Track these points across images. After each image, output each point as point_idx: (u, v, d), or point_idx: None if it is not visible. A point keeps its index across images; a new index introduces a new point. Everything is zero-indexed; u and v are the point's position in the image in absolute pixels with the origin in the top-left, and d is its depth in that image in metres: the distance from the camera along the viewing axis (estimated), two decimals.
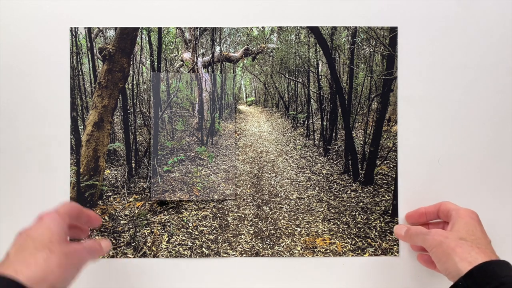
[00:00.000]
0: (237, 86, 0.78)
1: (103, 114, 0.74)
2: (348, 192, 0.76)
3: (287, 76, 0.79)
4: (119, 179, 0.75)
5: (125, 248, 0.73)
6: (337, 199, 0.76)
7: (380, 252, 0.73)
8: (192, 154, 0.77)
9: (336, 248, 0.73)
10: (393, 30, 0.73)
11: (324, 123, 0.78)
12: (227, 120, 0.78)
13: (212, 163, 0.77)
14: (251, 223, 0.75)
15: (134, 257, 0.73)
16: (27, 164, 0.73)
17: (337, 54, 0.76)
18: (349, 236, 0.74)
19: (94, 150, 0.74)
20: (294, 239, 0.74)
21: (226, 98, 0.78)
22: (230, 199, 0.76)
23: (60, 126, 0.73)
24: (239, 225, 0.74)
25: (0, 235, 0.75)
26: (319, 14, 0.74)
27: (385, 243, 0.73)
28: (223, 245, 0.74)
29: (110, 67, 0.74)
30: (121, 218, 0.74)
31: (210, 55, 0.76)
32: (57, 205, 0.57)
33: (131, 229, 0.73)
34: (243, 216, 0.75)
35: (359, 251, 0.73)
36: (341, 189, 0.76)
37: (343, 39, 0.75)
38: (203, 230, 0.74)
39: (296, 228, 0.74)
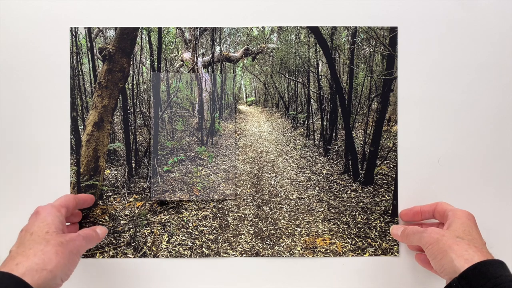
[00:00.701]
0: (237, 86, 0.78)
1: (103, 114, 0.74)
2: (348, 192, 0.76)
3: (287, 76, 0.79)
4: (119, 179, 0.75)
5: (125, 248, 0.73)
6: (337, 199, 0.76)
7: (380, 252, 0.73)
8: (192, 154, 0.77)
9: (336, 248, 0.73)
10: (393, 30, 0.73)
11: (324, 123, 0.78)
12: (227, 120, 0.78)
13: (212, 163, 0.77)
14: (251, 223, 0.75)
15: (134, 257, 0.73)
16: (27, 164, 0.73)
17: (337, 54, 0.75)
18: (349, 236, 0.74)
19: (94, 150, 0.74)
20: (294, 239, 0.74)
21: (226, 98, 0.78)
22: (230, 199, 0.76)
23: (60, 126, 0.73)
24: (239, 225, 0.74)
25: (0, 235, 0.75)
26: (319, 14, 0.74)
27: (385, 243, 0.73)
28: (223, 245, 0.74)
29: (110, 67, 0.74)
30: (121, 218, 0.74)
31: (210, 55, 0.76)
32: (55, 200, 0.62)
33: (131, 229, 0.73)
34: (243, 216, 0.75)
35: (359, 251, 0.73)
36: (341, 189, 0.76)
37: (343, 39, 0.75)
38: (203, 230, 0.74)
39: (296, 228, 0.74)
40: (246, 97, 0.82)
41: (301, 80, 0.79)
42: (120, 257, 0.73)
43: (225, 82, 0.77)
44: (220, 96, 0.77)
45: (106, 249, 0.72)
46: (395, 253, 0.73)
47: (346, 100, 0.76)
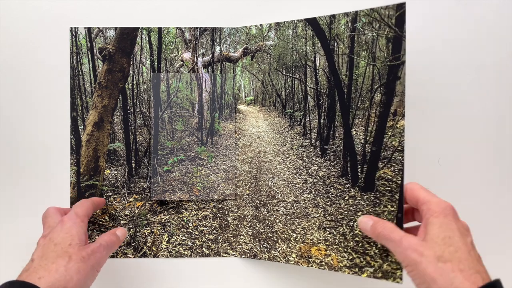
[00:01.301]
0: (237, 85, 0.78)
1: (103, 114, 0.74)
2: (346, 198, 0.67)
3: (284, 73, 0.76)
4: (119, 179, 0.75)
5: (125, 248, 0.73)
6: (334, 205, 0.68)
7: (380, 274, 0.61)
8: (192, 154, 0.77)
9: (331, 261, 0.65)
10: (400, 7, 0.59)
11: (322, 121, 0.71)
12: (227, 120, 0.78)
13: (212, 163, 0.77)
14: (249, 224, 0.74)
15: (134, 257, 0.73)
16: (28, 164, 0.73)
17: (335, 44, 0.67)
18: (345, 250, 0.65)
19: (94, 150, 0.74)
20: (290, 245, 0.70)
21: (226, 98, 0.78)
22: (230, 199, 0.75)
23: (60, 126, 0.73)
24: (239, 226, 0.74)
25: (0, 235, 0.75)
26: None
27: (387, 264, 0.61)
28: (223, 245, 0.74)
29: (110, 67, 0.74)
30: (121, 218, 0.74)
31: (210, 55, 0.76)
32: (75, 205, 0.62)
33: (131, 229, 0.73)
34: (242, 216, 0.75)
35: (357, 269, 0.63)
36: (338, 194, 0.68)
37: (342, 26, 0.66)
38: (203, 230, 0.74)
39: (292, 234, 0.70)
40: (245, 97, 0.82)
41: (298, 76, 0.75)
42: (120, 257, 0.73)
43: (225, 82, 0.77)
44: (220, 96, 0.77)
45: None
46: (398, 279, 0.60)
47: (345, 93, 0.67)
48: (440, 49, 0.73)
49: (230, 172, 0.76)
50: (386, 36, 0.62)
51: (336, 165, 0.70)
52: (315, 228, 0.69)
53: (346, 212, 0.67)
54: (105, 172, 0.75)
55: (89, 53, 0.74)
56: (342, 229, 0.67)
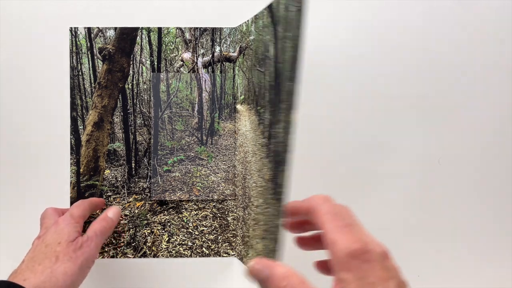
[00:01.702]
0: (236, 85, 0.78)
1: (103, 114, 0.74)
2: None
3: (257, 68, 0.68)
4: (119, 179, 0.75)
5: (125, 248, 0.73)
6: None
7: None
8: (192, 154, 0.77)
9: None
10: None
11: (268, 117, 0.60)
12: (227, 120, 0.78)
13: (211, 163, 0.77)
14: (240, 225, 0.73)
15: (134, 257, 0.73)
16: (27, 164, 0.74)
17: (279, 29, 0.55)
18: None
19: (94, 150, 0.74)
20: (251, 253, 0.63)
21: (225, 98, 0.78)
22: (229, 199, 0.75)
23: (60, 126, 0.73)
24: (237, 226, 0.74)
25: (0, 235, 0.75)
26: None
27: None
28: (223, 245, 0.74)
29: (110, 67, 0.74)
30: (121, 218, 0.74)
31: (210, 55, 0.76)
32: (72, 206, 0.62)
33: (131, 229, 0.73)
34: (238, 217, 0.75)
35: None
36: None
37: (281, 6, 0.53)
38: (203, 230, 0.74)
39: (253, 241, 0.62)
40: (240, 96, 0.81)
41: (263, 69, 0.65)
42: (120, 257, 0.73)
43: (225, 82, 0.77)
44: (219, 96, 0.77)
45: (106, 249, 0.73)
46: None
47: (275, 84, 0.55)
48: (439, 48, 0.73)
49: (229, 172, 0.76)
50: (298, 9, 0.43)
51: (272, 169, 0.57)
52: (260, 239, 0.58)
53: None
54: (105, 172, 0.75)
55: (89, 53, 0.74)
56: (268, 242, 0.55)
